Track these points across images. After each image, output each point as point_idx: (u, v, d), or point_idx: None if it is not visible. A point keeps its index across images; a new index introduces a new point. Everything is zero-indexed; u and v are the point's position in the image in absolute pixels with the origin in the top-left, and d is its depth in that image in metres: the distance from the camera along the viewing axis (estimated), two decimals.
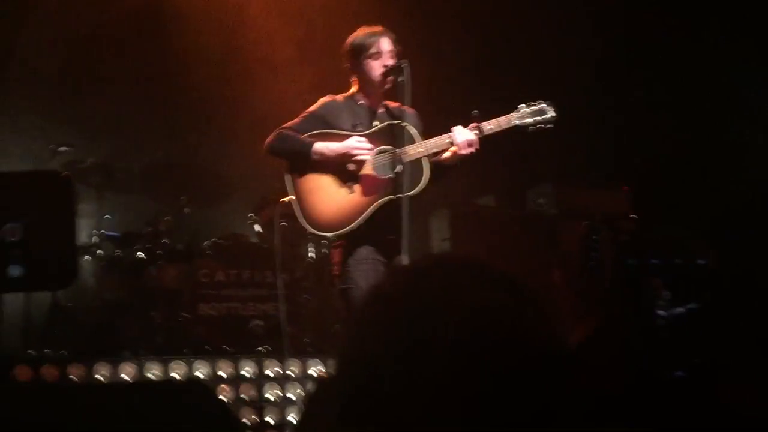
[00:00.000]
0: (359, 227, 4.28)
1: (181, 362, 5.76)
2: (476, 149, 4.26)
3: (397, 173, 4.25)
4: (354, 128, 4.43)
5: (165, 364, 5.71)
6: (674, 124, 7.62)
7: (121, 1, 7.39)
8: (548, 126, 4.35)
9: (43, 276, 4.69)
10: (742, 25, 7.28)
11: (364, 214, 4.28)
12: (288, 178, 4.44)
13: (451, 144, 4.26)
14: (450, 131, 4.28)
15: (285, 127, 4.45)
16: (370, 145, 4.32)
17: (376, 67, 4.41)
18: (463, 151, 4.24)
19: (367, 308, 1.29)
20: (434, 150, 4.30)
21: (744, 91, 7.43)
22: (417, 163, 4.27)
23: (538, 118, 4.34)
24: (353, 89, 4.56)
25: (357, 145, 4.31)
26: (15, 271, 4.56)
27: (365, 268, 4.30)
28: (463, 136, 4.23)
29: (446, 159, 4.36)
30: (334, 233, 4.38)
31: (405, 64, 4.29)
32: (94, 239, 6.63)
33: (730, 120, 7.50)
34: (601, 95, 7.70)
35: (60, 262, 4.86)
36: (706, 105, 7.51)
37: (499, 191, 7.84)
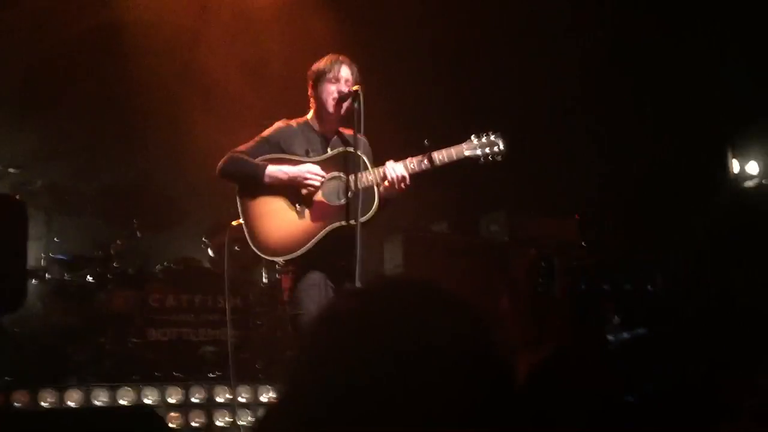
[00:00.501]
0: (309, 252, 4.28)
1: (130, 389, 5.69)
2: (406, 185, 4.29)
3: (347, 200, 4.26)
4: (307, 154, 4.44)
5: (113, 390, 5.63)
6: (625, 152, 7.76)
7: (75, 24, 7.34)
8: (497, 158, 4.40)
9: None
10: (687, 62, 7.46)
11: (313, 240, 4.28)
12: (239, 201, 4.43)
13: (384, 178, 4.29)
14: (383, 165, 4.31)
15: (238, 151, 4.45)
16: (322, 173, 4.33)
17: (331, 93, 4.44)
18: (396, 186, 4.27)
19: (316, 331, 1.29)
20: (382, 180, 4.31)
21: (691, 120, 7.59)
22: (368, 190, 4.29)
23: (488, 150, 4.38)
24: (309, 115, 4.58)
25: (310, 171, 4.32)
26: None
27: (315, 294, 4.29)
28: (395, 171, 4.26)
29: (383, 194, 4.36)
30: (283, 257, 4.37)
31: (358, 91, 4.32)
32: (43, 262, 6.52)
33: (678, 148, 7.66)
34: (553, 124, 7.82)
35: (7, 286, 4.78)
36: (656, 133, 7.67)
37: (453, 218, 7.89)
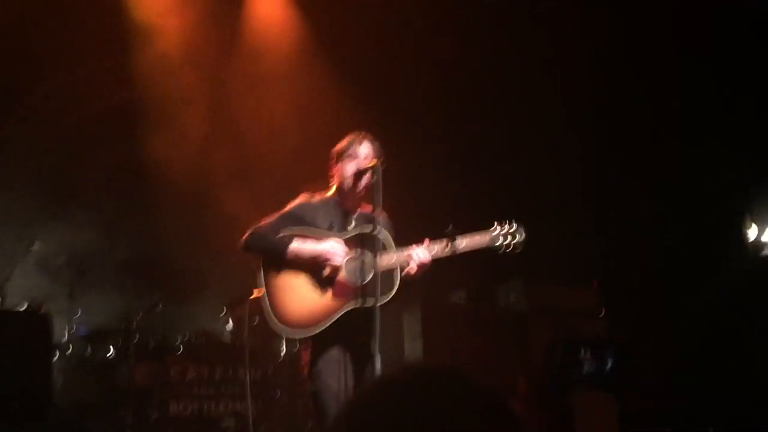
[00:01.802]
0: (328, 329, 4.31)
1: None
2: (426, 268, 4.36)
3: (368, 281, 4.32)
4: (330, 228, 4.50)
5: None
6: (643, 221, 7.79)
7: (95, 100, 7.51)
8: (517, 249, 4.47)
9: (16, 411, 4.62)
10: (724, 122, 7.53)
11: (331, 318, 4.31)
12: (260, 275, 4.47)
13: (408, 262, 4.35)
14: (411, 247, 4.38)
15: (261, 226, 4.51)
16: (344, 250, 4.39)
17: (351, 168, 4.52)
18: (413, 271, 4.34)
19: (344, 420, 1.29)
20: (405, 263, 4.37)
21: (710, 188, 7.62)
22: (389, 271, 4.34)
23: (509, 240, 4.45)
24: (331, 191, 4.66)
25: (332, 249, 4.37)
26: None
27: (335, 369, 4.29)
28: (419, 257, 4.33)
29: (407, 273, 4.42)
30: (301, 334, 4.40)
31: (377, 165, 4.39)
32: (66, 337, 6.58)
33: (697, 216, 7.68)
34: (572, 193, 7.88)
35: (35, 401, 4.83)
36: (675, 201, 7.70)
37: (470, 287, 7.90)
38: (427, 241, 4.40)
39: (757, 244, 7.89)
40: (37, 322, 5.24)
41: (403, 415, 1.22)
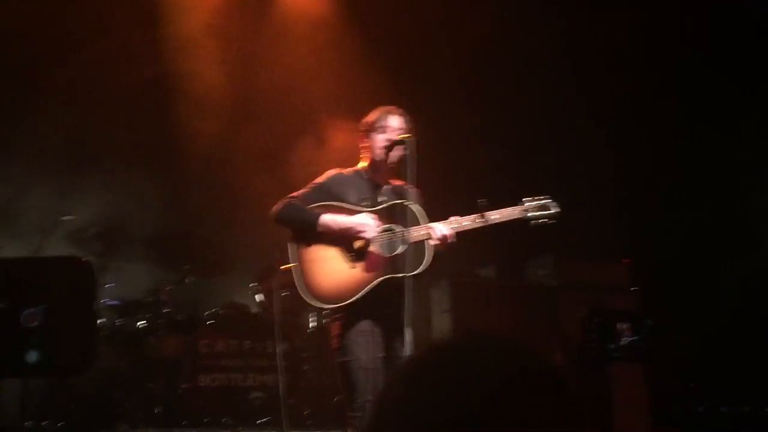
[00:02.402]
0: (358, 301, 4.29)
1: None
2: (452, 242, 4.32)
3: (400, 253, 4.29)
4: (360, 202, 4.48)
5: None
6: (677, 200, 7.71)
7: (127, 75, 7.52)
8: (550, 222, 4.42)
9: (61, 363, 4.65)
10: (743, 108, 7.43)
11: (364, 290, 4.29)
12: (292, 247, 4.46)
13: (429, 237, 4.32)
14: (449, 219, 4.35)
15: (293, 197, 4.50)
16: (376, 223, 4.36)
17: (380, 140, 4.49)
18: (441, 245, 4.30)
19: (399, 382, 1.26)
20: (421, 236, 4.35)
21: (746, 172, 7.54)
22: (420, 244, 4.31)
23: (542, 212, 4.41)
24: (362, 164, 4.63)
25: (363, 221, 4.35)
26: (33, 357, 4.53)
27: (364, 341, 4.28)
28: (440, 232, 4.30)
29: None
30: (333, 305, 4.39)
31: (409, 139, 4.36)
32: (96, 307, 6.60)
33: (732, 197, 7.59)
34: (604, 172, 7.81)
35: (79, 349, 4.86)
36: (708, 183, 7.62)
37: (500, 262, 7.86)
38: (453, 218, 4.36)
39: None
40: (81, 268, 5.25)
41: (463, 379, 1.19)
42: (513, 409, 1.16)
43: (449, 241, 4.32)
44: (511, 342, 1.26)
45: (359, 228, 4.33)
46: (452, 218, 4.37)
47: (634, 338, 6.06)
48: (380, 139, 4.49)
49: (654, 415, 6.15)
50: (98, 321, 6.50)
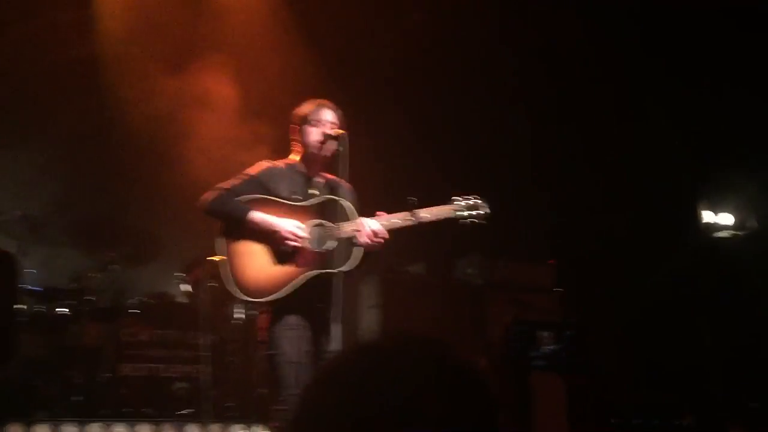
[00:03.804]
0: (288, 296, 4.28)
1: (99, 424, 5.63)
2: (383, 239, 4.33)
3: (330, 248, 4.29)
4: (291, 196, 4.45)
5: (82, 425, 5.57)
6: (602, 202, 7.88)
7: (54, 56, 7.34)
8: (480, 222, 4.45)
9: None
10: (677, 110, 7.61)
11: (292, 284, 4.28)
12: (221, 239, 4.41)
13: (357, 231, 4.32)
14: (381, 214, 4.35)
15: (223, 188, 4.44)
16: (302, 231, 4.33)
17: (315, 134, 4.47)
18: (369, 242, 4.29)
19: (321, 384, 1.26)
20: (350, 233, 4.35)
21: (665, 171, 7.73)
22: (350, 240, 4.31)
23: (472, 212, 4.44)
24: (294, 157, 4.60)
25: (291, 229, 4.31)
26: None
27: (292, 336, 4.28)
28: (368, 227, 4.30)
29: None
30: (261, 299, 4.36)
31: (343, 135, 4.36)
32: (14, 300, 6.41)
33: (652, 198, 7.78)
34: (532, 172, 7.93)
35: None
36: (635, 184, 7.80)
37: (429, 259, 7.92)
38: (383, 214, 4.37)
39: (710, 225, 8.03)
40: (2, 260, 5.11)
41: (385, 380, 1.19)
42: (433, 411, 1.16)
43: (378, 237, 4.32)
44: (436, 344, 1.25)
45: (285, 236, 4.30)
46: (381, 214, 4.37)
47: (555, 347, 6.18)
48: (314, 133, 4.47)
49: (572, 427, 6.26)
50: (17, 306, 6.37)
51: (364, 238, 4.29)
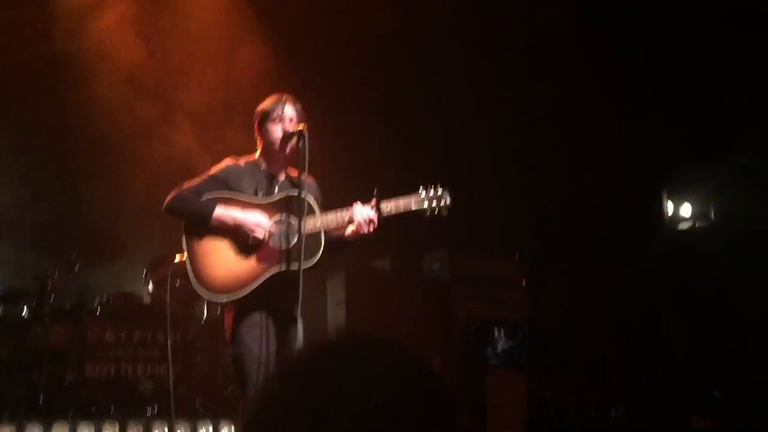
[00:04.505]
0: (252, 293, 4.28)
1: (65, 424, 5.58)
2: (375, 227, 4.33)
3: (293, 245, 4.29)
4: (255, 193, 4.45)
5: (48, 426, 5.53)
6: (563, 195, 7.93)
7: (17, 54, 7.24)
8: (443, 213, 4.45)
9: None
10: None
11: (256, 282, 4.28)
12: (185, 238, 4.40)
13: (351, 221, 4.32)
14: (350, 207, 4.34)
15: (186, 188, 4.43)
16: (268, 224, 4.33)
17: (276, 131, 4.46)
18: (363, 230, 4.31)
19: (274, 384, 1.26)
20: (332, 225, 4.35)
21: (625, 162, 7.80)
22: (314, 236, 4.31)
23: (435, 204, 4.44)
24: (257, 154, 4.59)
25: (257, 221, 4.31)
26: None
27: (257, 333, 4.28)
28: (363, 214, 4.30)
29: (348, 236, 4.41)
30: (225, 298, 4.36)
31: (304, 129, 4.35)
32: None
33: (614, 190, 7.85)
34: (496, 164, 7.96)
35: None
36: (591, 176, 7.86)
37: (395, 254, 7.94)
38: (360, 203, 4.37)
39: (674, 218, 8.13)
40: None
41: (338, 381, 1.19)
42: (389, 412, 1.16)
43: (372, 226, 4.31)
44: (393, 345, 1.25)
45: (251, 227, 4.30)
46: (356, 205, 4.37)
47: (511, 344, 6.19)
48: (275, 130, 4.46)
49: (528, 424, 6.26)
50: None
51: (358, 226, 4.28)
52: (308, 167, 4.32)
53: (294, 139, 4.44)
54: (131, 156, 7.37)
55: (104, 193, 7.46)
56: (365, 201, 4.35)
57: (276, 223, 4.35)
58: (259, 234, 4.30)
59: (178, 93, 7.60)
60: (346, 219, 4.32)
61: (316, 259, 4.29)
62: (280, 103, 4.49)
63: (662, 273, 7.55)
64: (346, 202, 4.38)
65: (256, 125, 4.56)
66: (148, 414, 6.03)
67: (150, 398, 6.21)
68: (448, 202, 4.45)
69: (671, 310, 7.39)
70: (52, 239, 6.84)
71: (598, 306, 7.48)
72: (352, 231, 4.36)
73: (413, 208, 4.43)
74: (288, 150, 4.47)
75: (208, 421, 5.98)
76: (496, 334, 6.07)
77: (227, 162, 4.56)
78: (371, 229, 4.31)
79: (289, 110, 4.48)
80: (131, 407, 6.10)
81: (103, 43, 7.51)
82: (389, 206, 4.38)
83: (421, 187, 4.45)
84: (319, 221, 4.32)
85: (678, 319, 7.35)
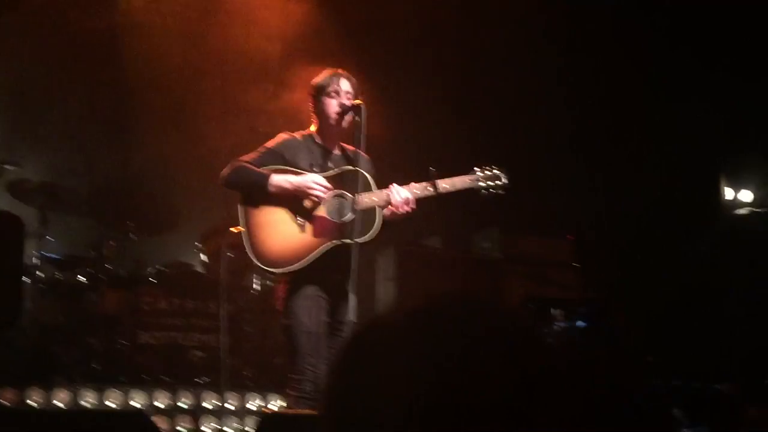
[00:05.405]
0: (307, 266, 4.30)
1: (117, 391, 5.69)
2: (412, 208, 4.33)
3: (349, 219, 4.29)
4: (310, 168, 4.46)
5: (100, 392, 5.63)
6: (621, 178, 7.82)
7: (72, 26, 7.33)
8: (499, 192, 4.43)
9: None
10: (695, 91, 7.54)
11: (312, 255, 4.30)
12: (241, 210, 4.43)
13: (389, 202, 4.32)
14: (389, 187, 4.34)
15: (242, 160, 4.45)
16: (328, 185, 4.35)
17: (333, 106, 4.45)
18: (400, 210, 4.31)
19: (363, 342, 1.23)
20: (382, 204, 4.34)
21: (685, 148, 7.67)
22: (369, 211, 4.31)
23: (491, 183, 4.42)
24: (312, 128, 4.59)
25: (315, 181, 4.34)
26: None
27: (309, 306, 4.31)
28: (401, 194, 4.29)
29: (387, 216, 4.40)
30: (281, 270, 4.38)
31: (361, 105, 4.35)
32: (35, 260, 6.44)
33: (673, 175, 7.72)
34: (553, 147, 7.87)
35: (3, 303, 4.76)
36: (651, 160, 7.74)
37: (445, 233, 7.91)
38: (411, 184, 4.37)
39: (733, 202, 7.97)
40: (10, 223, 5.14)
41: (436, 338, 1.16)
42: (498, 369, 1.13)
43: (409, 207, 4.32)
44: (479, 299, 1.23)
45: (309, 186, 4.32)
46: (393, 186, 4.36)
47: (569, 324, 6.13)
48: (332, 104, 4.45)
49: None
50: (36, 273, 6.40)
51: (395, 207, 4.29)
52: (363, 143, 4.32)
53: (350, 115, 4.44)
54: (188, 126, 7.43)
55: (159, 163, 7.53)
56: (421, 179, 4.35)
57: (332, 197, 4.36)
58: (319, 192, 4.30)
59: (234, 64, 7.62)
60: (385, 198, 4.32)
61: (371, 235, 4.29)
62: (335, 76, 4.49)
63: (720, 258, 7.41)
64: (401, 180, 4.37)
65: (310, 99, 4.55)
66: (200, 383, 6.11)
67: (201, 367, 6.29)
68: (504, 182, 4.43)
69: (729, 296, 7.27)
70: (108, 208, 6.93)
71: (653, 290, 7.38)
72: (390, 212, 4.36)
73: (469, 186, 4.41)
74: (344, 125, 4.47)
75: (257, 393, 6.04)
76: (552, 313, 6.01)
77: (283, 135, 4.57)
78: (408, 209, 4.31)
79: (345, 84, 4.48)
80: (182, 376, 6.19)
81: (157, 14, 7.56)
82: (446, 185, 4.37)
83: (476, 168, 4.44)
84: (375, 197, 4.32)
85: (735, 305, 7.23)
